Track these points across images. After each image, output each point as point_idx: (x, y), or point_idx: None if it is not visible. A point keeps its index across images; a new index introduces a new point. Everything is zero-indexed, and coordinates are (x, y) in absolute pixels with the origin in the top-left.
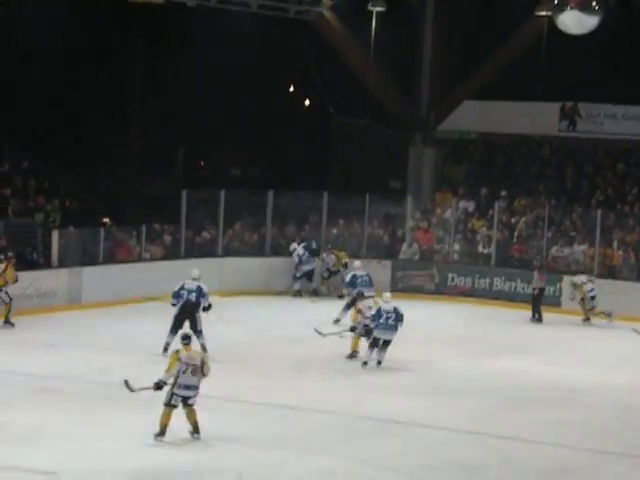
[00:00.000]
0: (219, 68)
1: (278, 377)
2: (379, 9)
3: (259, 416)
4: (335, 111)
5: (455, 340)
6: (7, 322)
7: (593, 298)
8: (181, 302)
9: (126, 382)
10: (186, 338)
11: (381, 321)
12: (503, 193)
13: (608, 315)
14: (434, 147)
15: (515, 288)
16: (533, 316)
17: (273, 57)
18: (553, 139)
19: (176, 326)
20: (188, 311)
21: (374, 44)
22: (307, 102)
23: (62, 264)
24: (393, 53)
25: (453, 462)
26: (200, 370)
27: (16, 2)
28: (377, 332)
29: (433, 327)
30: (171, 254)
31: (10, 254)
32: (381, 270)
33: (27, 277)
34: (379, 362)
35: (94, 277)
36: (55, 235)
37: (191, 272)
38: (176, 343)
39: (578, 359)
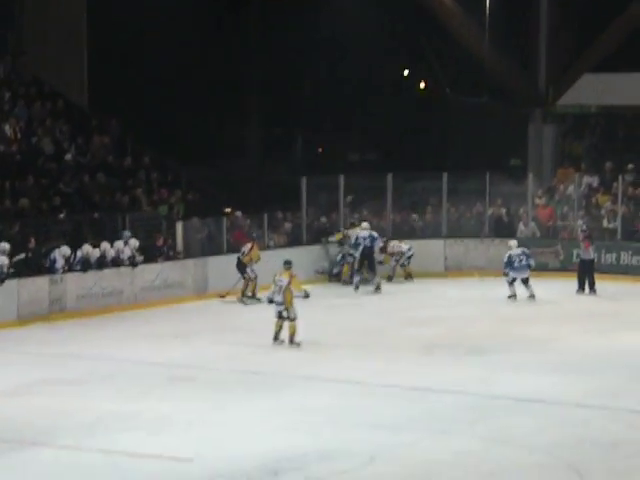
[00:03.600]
0: (334, 55)
1: (406, 359)
2: None
3: (389, 398)
4: (451, 91)
5: (583, 316)
6: (253, 297)
7: None
8: (360, 249)
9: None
10: (286, 263)
11: (515, 265)
12: (630, 166)
13: None
14: (554, 123)
15: None
16: (581, 288)
17: (387, 40)
18: None
19: (359, 268)
20: (366, 254)
21: (489, 21)
22: (422, 84)
23: (187, 255)
24: (508, 29)
25: (589, 439)
26: (285, 289)
27: None
28: (513, 273)
29: (560, 304)
30: (293, 240)
31: (254, 234)
32: (504, 249)
33: (154, 269)
34: (532, 296)
35: (219, 267)
36: (179, 226)
37: (361, 225)
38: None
39: None
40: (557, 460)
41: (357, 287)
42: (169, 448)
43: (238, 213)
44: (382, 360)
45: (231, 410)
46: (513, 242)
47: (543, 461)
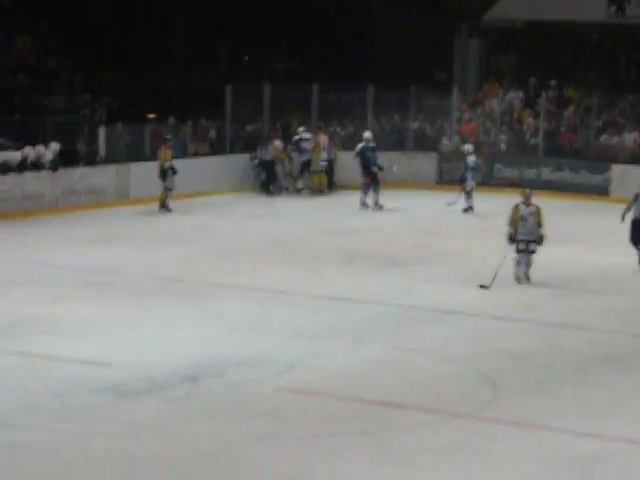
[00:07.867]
0: None
1: (326, 269)
2: None
3: (308, 308)
4: (379, 2)
5: (503, 230)
6: (166, 207)
7: None
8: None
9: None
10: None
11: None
12: (552, 82)
13: None
14: (480, 37)
15: (563, 178)
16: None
17: None
18: (601, 26)
19: (302, 171)
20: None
21: None
22: None
23: (110, 160)
24: None
25: (503, 350)
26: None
27: None
28: (472, 182)
29: (481, 218)
30: (217, 149)
31: (168, 137)
32: (426, 162)
33: (75, 173)
34: (471, 207)
35: (142, 173)
36: (102, 131)
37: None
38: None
39: (626, 247)
40: (472, 370)
41: (299, 191)
42: (88, 352)
43: (171, 119)
44: (302, 270)
45: (151, 316)
46: (469, 147)
47: (458, 371)
